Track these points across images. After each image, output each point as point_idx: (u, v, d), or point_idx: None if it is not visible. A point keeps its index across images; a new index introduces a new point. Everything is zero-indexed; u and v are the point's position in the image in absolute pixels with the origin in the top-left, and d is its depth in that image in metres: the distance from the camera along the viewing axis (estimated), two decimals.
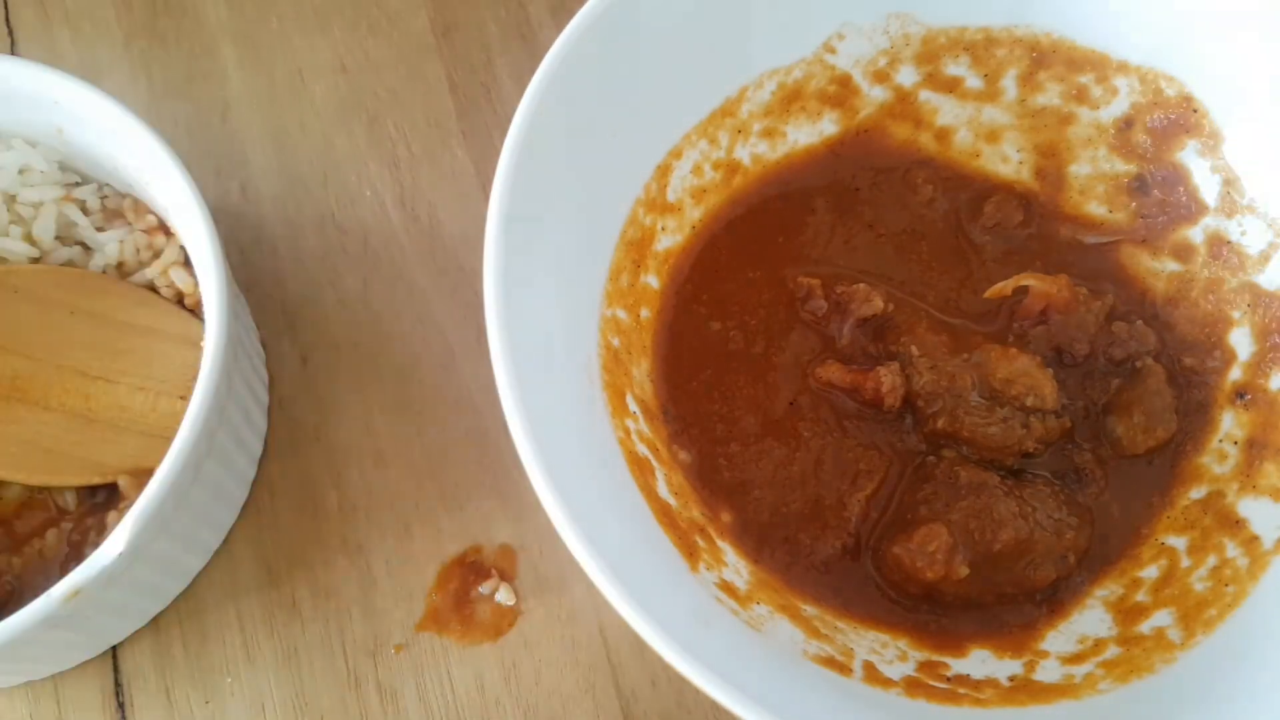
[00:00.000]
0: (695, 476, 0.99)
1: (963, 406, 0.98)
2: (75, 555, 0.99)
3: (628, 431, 0.95)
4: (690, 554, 0.91)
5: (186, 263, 1.08)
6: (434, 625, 1.05)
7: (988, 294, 1.03)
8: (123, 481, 0.99)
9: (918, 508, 0.97)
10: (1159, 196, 1.07)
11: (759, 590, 0.94)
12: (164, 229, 1.08)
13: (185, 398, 1.02)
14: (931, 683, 0.90)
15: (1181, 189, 1.06)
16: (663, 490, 0.95)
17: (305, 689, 1.03)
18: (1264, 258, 1.02)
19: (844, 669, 0.89)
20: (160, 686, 1.04)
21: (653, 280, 1.05)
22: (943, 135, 1.12)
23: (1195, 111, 1.04)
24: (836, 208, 1.10)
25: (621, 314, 1.01)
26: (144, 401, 1.03)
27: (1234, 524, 0.96)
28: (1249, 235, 1.03)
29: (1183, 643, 0.91)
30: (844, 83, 1.10)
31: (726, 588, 0.91)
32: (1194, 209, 1.05)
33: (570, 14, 0.95)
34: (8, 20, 1.31)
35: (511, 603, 1.06)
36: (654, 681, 1.04)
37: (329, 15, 1.31)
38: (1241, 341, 1.02)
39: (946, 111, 1.12)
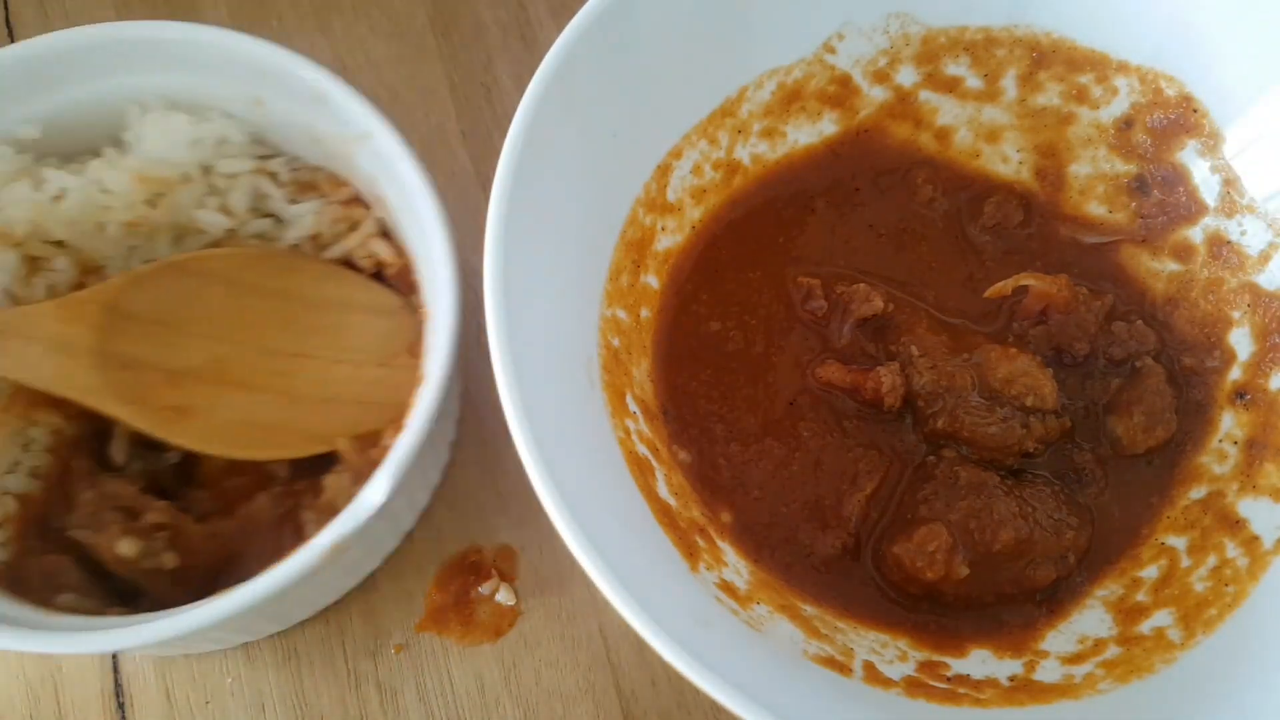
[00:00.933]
0: (695, 476, 0.99)
1: (962, 406, 0.98)
2: (291, 519, 1.01)
3: (628, 431, 0.95)
4: (690, 554, 0.91)
5: (384, 234, 1.09)
6: (434, 625, 1.05)
7: (988, 294, 1.03)
8: (343, 445, 1.01)
9: (918, 508, 0.97)
10: (1159, 197, 1.07)
11: (759, 590, 0.94)
12: (360, 201, 1.09)
13: (385, 365, 1.05)
14: (932, 683, 0.90)
15: (1181, 189, 1.06)
16: (663, 490, 0.95)
17: (305, 689, 1.04)
18: (1264, 258, 1.02)
19: (844, 669, 0.89)
20: (160, 686, 1.04)
21: (652, 280, 1.05)
22: (943, 135, 1.12)
23: (1195, 112, 1.03)
24: (836, 208, 1.10)
25: (621, 314, 1.01)
26: (345, 373, 1.05)
27: (1234, 524, 0.96)
28: (1249, 235, 1.03)
29: (1183, 643, 0.91)
30: (844, 83, 1.10)
31: (726, 588, 0.91)
32: (1194, 209, 1.05)
33: (570, 14, 0.95)
34: (8, 20, 1.32)
35: (511, 603, 1.06)
36: (654, 681, 1.04)
37: (329, 15, 1.31)
38: (1241, 342, 1.02)
39: (946, 111, 1.11)
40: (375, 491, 0.90)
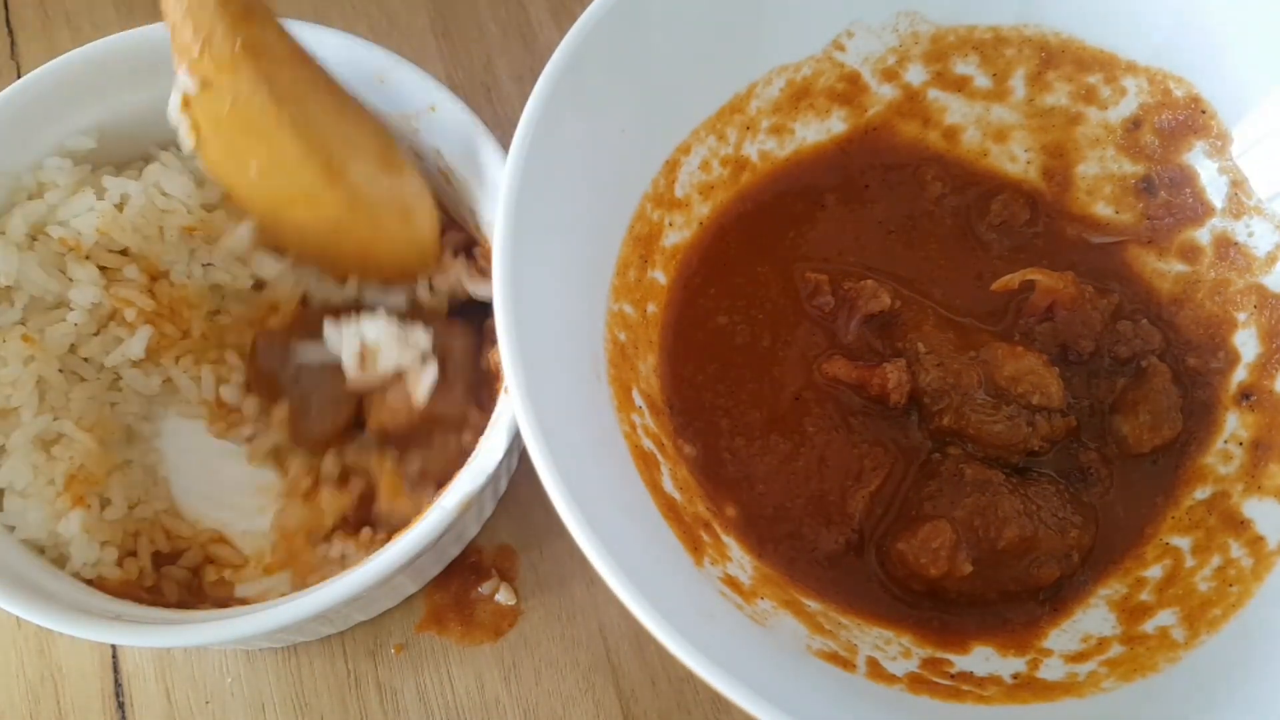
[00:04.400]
0: (700, 471, 0.99)
1: (969, 404, 0.98)
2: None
3: (633, 426, 0.95)
4: (695, 548, 0.91)
5: (443, 208, 1.09)
6: (434, 625, 1.06)
7: (995, 286, 1.03)
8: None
9: (922, 504, 0.97)
10: (1166, 198, 1.07)
11: (763, 585, 0.94)
12: None
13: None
14: (935, 679, 0.90)
15: (1188, 190, 1.06)
16: (668, 485, 0.95)
17: (305, 689, 1.04)
18: (1271, 259, 1.02)
19: (847, 665, 0.89)
20: (160, 686, 1.04)
21: (660, 275, 1.05)
22: (951, 134, 1.12)
23: (1203, 113, 1.04)
24: (845, 204, 1.10)
25: (628, 309, 1.01)
26: None
27: (1239, 524, 0.96)
28: (1256, 236, 1.03)
29: (1187, 642, 0.91)
30: (853, 80, 1.10)
31: (731, 582, 0.91)
32: (1200, 210, 1.05)
33: (570, 15, 0.95)
34: (8, 20, 1.32)
35: (511, 603, 1.06)
36: (654, 681, 1.04)
37: (329, 15, 1.32)
38: (1247, 343, 1.02)
39: (955, 110, 1.12)
40: (494, 449, 0.92)
